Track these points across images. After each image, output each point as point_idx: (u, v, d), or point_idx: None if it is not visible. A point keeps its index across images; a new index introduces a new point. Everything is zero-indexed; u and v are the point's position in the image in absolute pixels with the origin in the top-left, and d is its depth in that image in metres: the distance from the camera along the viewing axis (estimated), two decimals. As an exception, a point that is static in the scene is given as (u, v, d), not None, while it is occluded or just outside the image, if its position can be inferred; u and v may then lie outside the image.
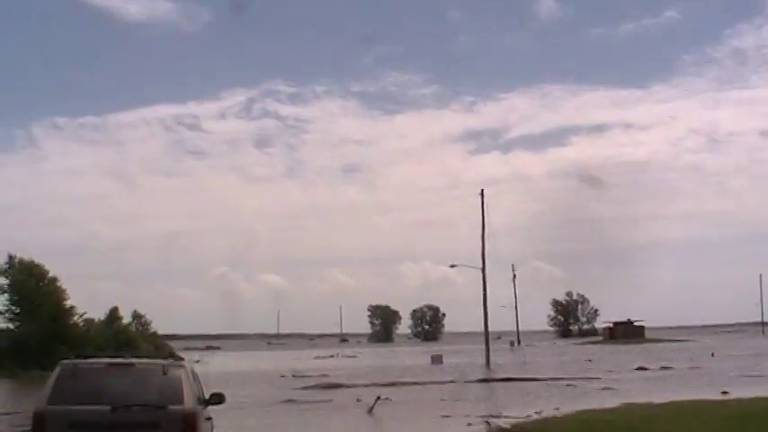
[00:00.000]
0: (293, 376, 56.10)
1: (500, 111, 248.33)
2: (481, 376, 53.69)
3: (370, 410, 31.36)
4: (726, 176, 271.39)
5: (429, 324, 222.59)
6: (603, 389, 41.06)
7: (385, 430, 27.85)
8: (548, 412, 28.64)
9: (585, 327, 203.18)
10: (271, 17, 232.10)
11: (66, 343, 56.08)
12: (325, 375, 56.11)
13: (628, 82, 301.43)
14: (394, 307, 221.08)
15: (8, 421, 29.38)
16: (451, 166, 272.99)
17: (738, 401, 29.32)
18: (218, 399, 13.45)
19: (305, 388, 44.92)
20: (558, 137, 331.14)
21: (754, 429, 19.12)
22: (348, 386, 45.43)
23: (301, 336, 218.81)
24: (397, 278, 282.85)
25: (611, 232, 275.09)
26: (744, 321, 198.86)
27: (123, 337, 68.25)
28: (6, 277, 65.88)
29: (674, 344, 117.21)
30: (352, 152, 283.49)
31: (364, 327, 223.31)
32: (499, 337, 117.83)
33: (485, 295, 73.97)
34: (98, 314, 70.33)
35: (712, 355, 74.67)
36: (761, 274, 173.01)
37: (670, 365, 58.62)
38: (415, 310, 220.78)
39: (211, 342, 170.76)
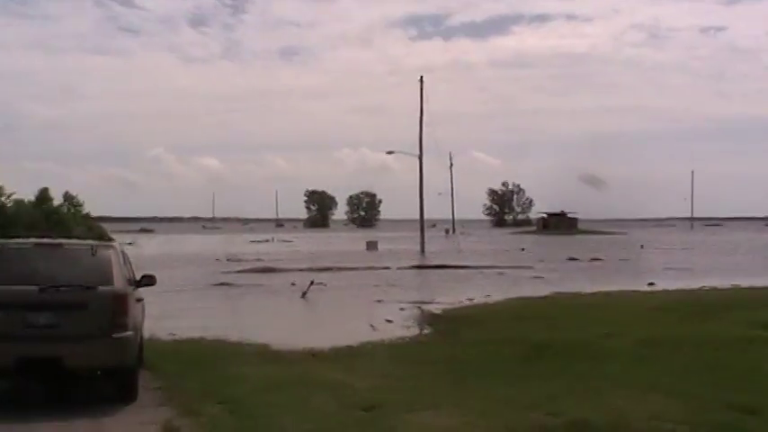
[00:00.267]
0: (228, 260, 56.13)
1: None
2: (415, 263, 54.33)
3: (304, 294, 31.58)
4: (665, 72, 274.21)
5: (365, 210, 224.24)
6: (534, 278, 41.82)
7: (318, 314, 28.06)
8: (479, 299, 29.16)
9: (520, 217, 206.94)
10: None
11: (-7, 224, 55.02)
12: (260, 260, 56.29)
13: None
14: (331, 193, 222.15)
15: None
16: (392, 52, 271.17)
17: (664, 292, 30.15)
18: (149, 280, 13.29)
19: (239, 272, 45.01)
20: (500, 25, 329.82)
21: (677, 318, 19.69)
22: (282, 270, 45.61)
23: (237, 220, 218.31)
24: (335, 164, 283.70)
25: (550, 123, 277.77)
26: (675, 216, 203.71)
27: (54, 218, 66.88)
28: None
29: (606, 236, 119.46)
30: (290, 35, 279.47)
31: (300, 212, 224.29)
32: (434, 225, 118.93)
33: (421, 183, 74.60)
34: (27, 195, 68.92)
35: (642, 247, 76.35)
36: (692, 171, 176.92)
37: (600, 257, 59.81)
38: (351, 197, 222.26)
39: (146, 225, 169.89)
